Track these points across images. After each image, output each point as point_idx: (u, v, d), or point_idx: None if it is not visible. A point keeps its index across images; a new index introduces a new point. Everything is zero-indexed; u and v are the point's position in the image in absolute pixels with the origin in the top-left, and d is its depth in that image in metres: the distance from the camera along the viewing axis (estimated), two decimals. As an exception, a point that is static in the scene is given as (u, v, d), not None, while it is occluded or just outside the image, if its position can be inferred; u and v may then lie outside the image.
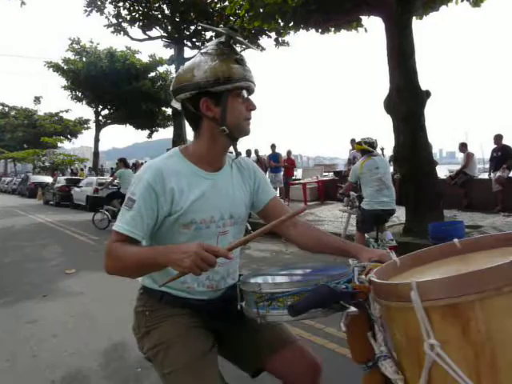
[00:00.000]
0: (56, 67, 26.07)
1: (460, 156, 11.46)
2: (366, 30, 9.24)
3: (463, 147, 10.68)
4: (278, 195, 7.22)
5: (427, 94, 7.66)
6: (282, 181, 14.10)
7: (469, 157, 10.49)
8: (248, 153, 14.67)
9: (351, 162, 12.41)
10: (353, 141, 12.49)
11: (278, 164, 14.13)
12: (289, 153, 15.08)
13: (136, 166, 22.59)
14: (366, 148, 5.79)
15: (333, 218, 10.05)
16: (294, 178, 15.65)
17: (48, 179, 27.52)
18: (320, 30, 9.01)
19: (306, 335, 3.68)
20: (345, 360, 3.19)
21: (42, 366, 3.22)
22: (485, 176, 11.49)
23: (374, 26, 9.15)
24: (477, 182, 10.45)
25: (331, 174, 16.42)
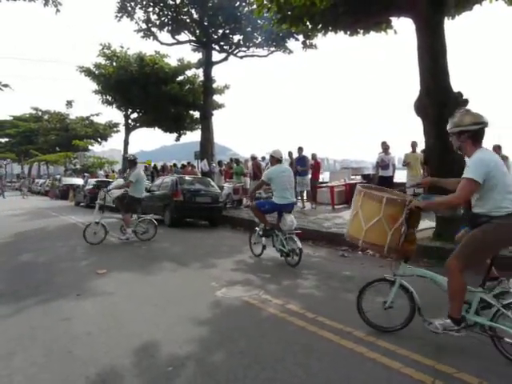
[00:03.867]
0: (87, 72, 26.77)
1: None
2: (395, 32, 9.12)
3: (498, 149, 10.35)
4: (305, 198, 6.73)
5: (459, 95, 7.49)
6: (309, 184, 14.01)
7: (503, 160, 10.17)
8: (290, 154, 14.86)
9: (379, 164, 12.25)
10: (384, 143, 12.32)
11: (305, 168, 14.06)
12: (313, 156, 14.96)
13: (164, 169, 22.90)
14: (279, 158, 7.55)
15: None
16: (320, 181, 15.56)
17: (79, 181, 28.21)
18: (349, 32, 8.96)
19: (335, 339, 3.66)
20: (374, 364, 3.17)
21: (77, 363, 3.31)
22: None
23: (404, 27, 9.04)
24: (511, 186, 10.16)
25: (359, 177, 16.25)
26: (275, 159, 7.44)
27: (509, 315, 3.17)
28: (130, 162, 10.24)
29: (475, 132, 3.42)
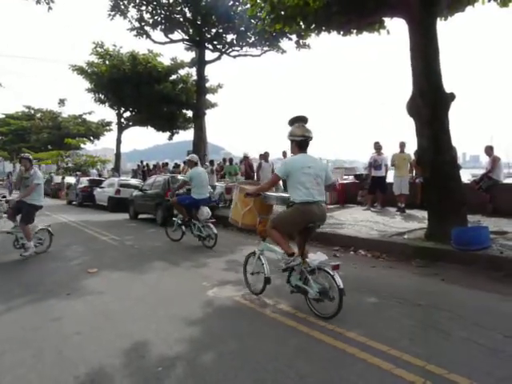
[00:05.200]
0: (80, 70, 26.59)
1: (484, 160, 11.20)
2: (388, 32, 9.13)
3: (490, 150, 10.40)
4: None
5: (451, 96, 7.52)
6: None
7: (495, 161, 10.23)
8: (284, 154, 14.92)
9: (372, 165, 12.28)
10: (376, 143, 12.35)
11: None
12: None
13: (156, 168, 22.82)
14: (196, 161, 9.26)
15: (353, 221, 9.96)
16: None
17: (71, 180, 28.03)
18: (342, 32, 8.95)
19: (326, 339, 3.66)
20: (366, 365, 3.17)
21: (67, 363, 3.28)
22: (511, 181, 11.22)
23: (396, 28, 9.06)
24: (502, 187, 10.21)
25: (351, 177, 16.29)
26: (193, 162, 9.17)
27: (309, 279, 4.27)
28: (28, 161, 7.87)
29: (301, 141, 4.59)
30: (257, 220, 4.97)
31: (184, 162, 22.12)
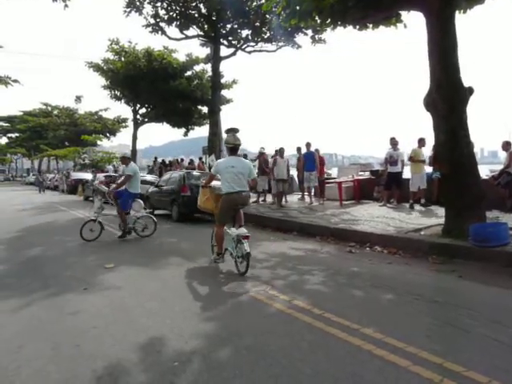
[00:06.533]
0: (96, 67, 26.84)
1: (503, 155, 10.99)
2: (405, 26, 9.00)
3: (507, 145, 10.22)
4: (312, 193, 7.38)
5: (470, 90, 7.39)
6: (317, 179, 13.89)
7: (512, 155, 10.04)
8: (299, 150, 14.98)
9: (387, 161, 12.16)
10: (392, 139, 12.21)
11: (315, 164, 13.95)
12: (317, 151, 14.82)
13: (172, 164, 22.97)
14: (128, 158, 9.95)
15: (369, 217, 9.88)
16: (325, 176, 15.63)
17: (88, 176, 28.36)
18: (358, 27, 8.85)
19: (342, 335, 3.64)
20: (382, 362, 3.14)
21: (84, 356, 3.32)
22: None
23: (413, 22, 8.91)
24: (522, 183, 9.99)
25: (367, 173, 16.13)
26: (129, 159, 9.92)
27: (234, 246, 5.94)
28: None
29: (231, 147, 6.18)
30: (213, 206, 6.60)
31: (200, 158, 22.26)
